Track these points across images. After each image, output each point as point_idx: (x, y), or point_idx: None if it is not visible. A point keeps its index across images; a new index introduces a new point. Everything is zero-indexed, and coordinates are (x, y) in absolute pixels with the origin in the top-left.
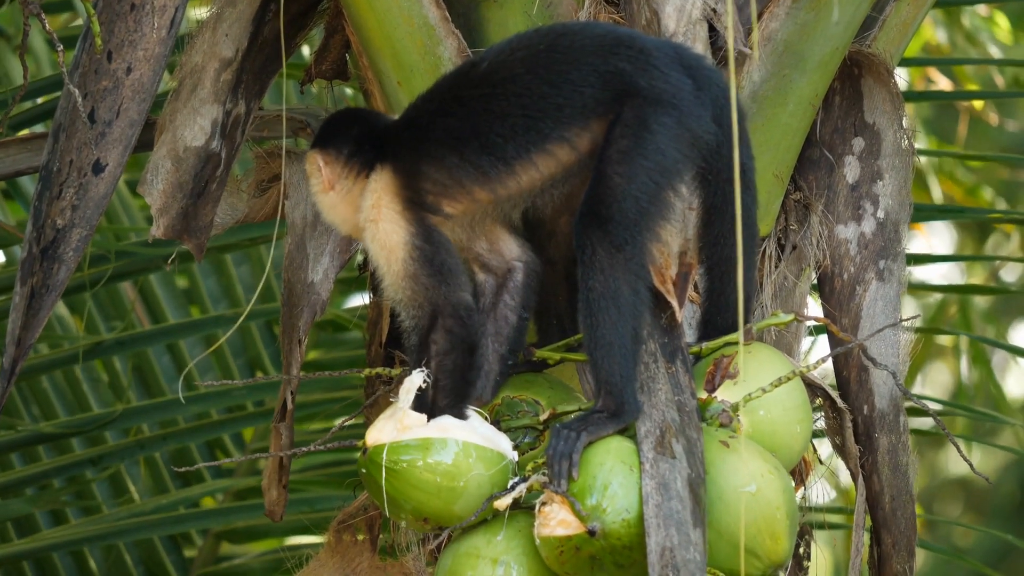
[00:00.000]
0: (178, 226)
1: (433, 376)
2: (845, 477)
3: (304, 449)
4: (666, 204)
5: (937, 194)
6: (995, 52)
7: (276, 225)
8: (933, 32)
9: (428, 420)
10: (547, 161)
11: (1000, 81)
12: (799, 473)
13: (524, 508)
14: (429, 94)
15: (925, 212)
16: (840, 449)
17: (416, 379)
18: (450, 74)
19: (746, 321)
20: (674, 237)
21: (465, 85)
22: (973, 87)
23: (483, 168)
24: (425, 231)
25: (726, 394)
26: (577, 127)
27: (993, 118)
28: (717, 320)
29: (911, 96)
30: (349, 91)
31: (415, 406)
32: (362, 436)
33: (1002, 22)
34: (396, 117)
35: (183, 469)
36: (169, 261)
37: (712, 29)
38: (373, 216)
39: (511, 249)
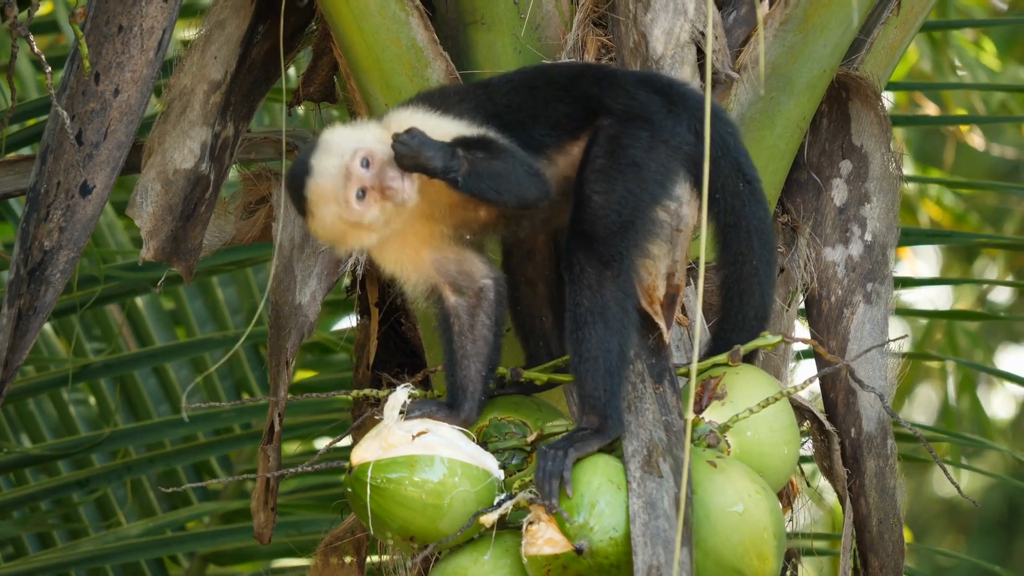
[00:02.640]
0: (168, 249)
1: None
2: (831, 499)
3: (292, 470)
4: (650, 218)
5: (924, 220)
6: (982, 77)
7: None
8: (919, 58)
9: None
10: None
11: (982, 108)
12: (786, 495)
13: (511, 527)
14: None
15: (912, 236)
16: (828, 472)
17: (400, 395)
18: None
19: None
20: (662, 258)
21: (487, 97)
22: (960, 113)
23: None
24: None
25: (713, 415)
26: (554, 140)
27: (979, 143)
28: (731, 338)
29: (898, 120)
30: (335, 112)
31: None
32: (349, 458)
33: (988, 47)
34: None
35: (170, 489)
36: (158, 284)
37: (700, 52)
38: None
39: (479, 268)
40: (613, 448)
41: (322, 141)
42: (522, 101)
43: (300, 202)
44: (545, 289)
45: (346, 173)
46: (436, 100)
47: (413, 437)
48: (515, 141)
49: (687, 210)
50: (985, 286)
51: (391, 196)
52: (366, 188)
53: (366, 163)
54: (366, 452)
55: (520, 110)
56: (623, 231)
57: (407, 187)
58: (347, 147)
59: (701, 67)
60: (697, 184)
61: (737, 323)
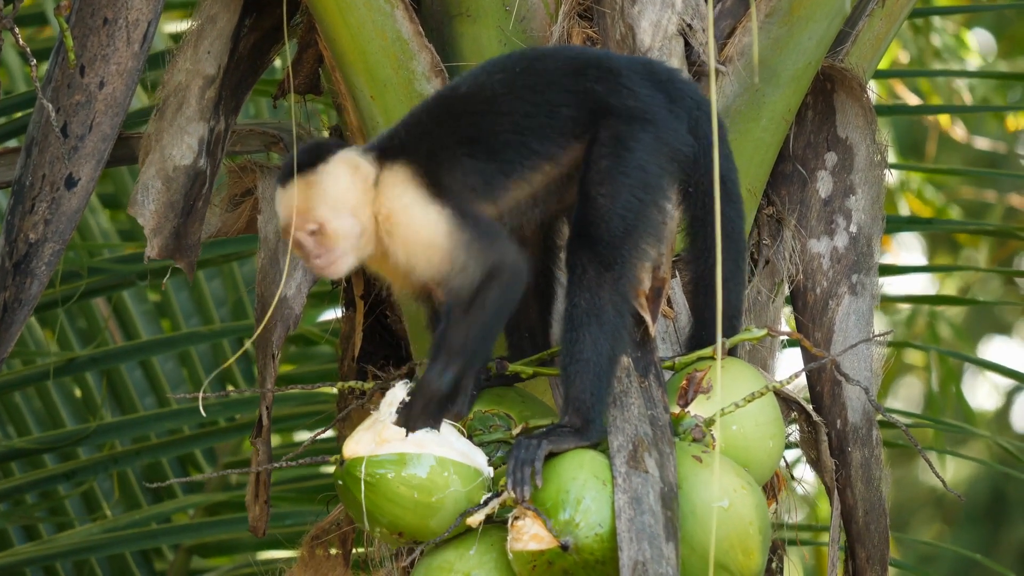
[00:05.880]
0: (171, 246)
1: (451, 333)
2: (815, 493)
3: (276, 464)
4: (651, 221)
5: (905, 213)
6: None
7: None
8: (899, 52)
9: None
10: (537, 177)
11: (968, 99)
12: (771, 488)
13: (497, 522)
14: (419, 112)
15: (894, 224)
16: (815, 463)
17: (399, 392)
18: (432, 97)
19: (731, 336)
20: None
21: (452, 105)
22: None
23: (487, 177)
24: (457, 202)
25: (699, 409)
26: (560, 146)
27: (961, 135)
28: (703, 336)
29: (882, 110)
30: (320, 106)
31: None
32: (333, 451)
33: (969, 40)
34: (382, 134)
35: (155, 485)
36: (147, 278)
37: (688, 44)
38: (401, 204)
39: None
40: (597, 444)
41: None
42: (523, 108)
43: None
44: (534, 282)
45: None
46: (428, 169)
47: (407, 432)
48: (513, 156)
49: (670, 205)
50: (970, 279)
51: None
52: None
53: None
54: (358, 445)
55: (520, 123)
56: (626, 235)
57: None
58: None
59: (688, 59)
60: (685, 183)
61: (707, 320)
